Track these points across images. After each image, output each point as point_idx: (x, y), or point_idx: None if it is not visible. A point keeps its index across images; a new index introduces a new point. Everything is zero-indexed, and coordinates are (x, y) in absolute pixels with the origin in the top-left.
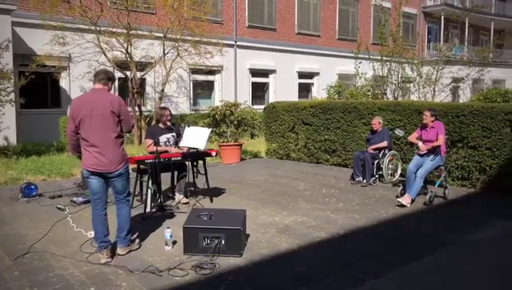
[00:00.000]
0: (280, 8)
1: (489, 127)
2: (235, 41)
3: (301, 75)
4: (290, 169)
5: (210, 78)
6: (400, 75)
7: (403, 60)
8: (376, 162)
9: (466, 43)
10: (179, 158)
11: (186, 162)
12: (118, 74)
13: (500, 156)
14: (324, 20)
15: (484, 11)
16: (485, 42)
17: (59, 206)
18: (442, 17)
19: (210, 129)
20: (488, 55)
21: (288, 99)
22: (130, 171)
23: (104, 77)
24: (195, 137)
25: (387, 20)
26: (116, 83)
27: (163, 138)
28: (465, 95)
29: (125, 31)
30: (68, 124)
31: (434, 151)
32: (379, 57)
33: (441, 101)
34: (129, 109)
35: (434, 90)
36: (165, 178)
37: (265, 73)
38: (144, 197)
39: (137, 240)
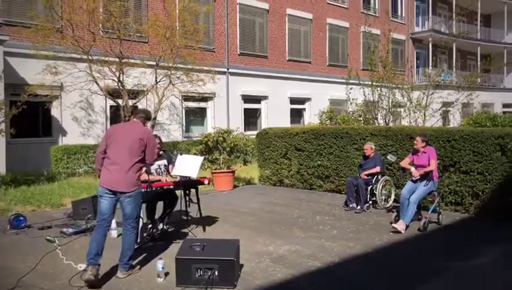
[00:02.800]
0: (271, 36)
1: (480, 151)
2: (227, 69)
3: (293, 100)
4: (284, 196)
5: (202, 105)
6: (390, 101)
7: (393, 85)
8: (369, 188)
9: (454, 68)
10: (171, 187)
11: (178, 191)
12: (109, 102)
13: (492, 181)
14: (314, 47)
15: (470, 36)
16: (473, 67)
17: (48, 237)
18: (430, 43)
19: (202, 157)
20: (476, 80)
21: (281, 125)
22: None
23: (142, 115)
24: (188, 165)
25: (377, 46)
26: (108, 111)
27: (154, 166)
28: (455, 120)
29: (117, 59)
30: (100, 144)
31: (426, 176)
32: (369, 83)
33: (432, 125)
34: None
35: (424, 115)
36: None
37: (257, 99)
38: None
39: (138, 266)
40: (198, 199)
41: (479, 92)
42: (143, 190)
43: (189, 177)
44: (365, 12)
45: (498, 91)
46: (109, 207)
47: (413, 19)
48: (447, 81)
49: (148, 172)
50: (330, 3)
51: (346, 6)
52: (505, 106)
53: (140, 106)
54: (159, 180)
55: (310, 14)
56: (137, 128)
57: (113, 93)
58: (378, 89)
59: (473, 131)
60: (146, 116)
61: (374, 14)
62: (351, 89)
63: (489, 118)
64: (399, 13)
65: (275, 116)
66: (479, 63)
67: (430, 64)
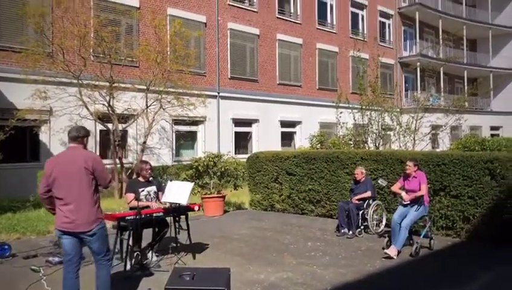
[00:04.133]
0: (262, 60)
1: (470, 175)
2: (218, 93)
3: (284, 124)
4: (275, 221)
5: (193, 128)
6: (380, 124)
7: (382, 109)
8: (361, 212)
9: (442, 92)
10: (161, 214)
11: (168, 218)
12: (99, 127)
13: (483, 205)
14: (305, 71)
15: (457, 61)
16: (460, 90)
17: (33, 267)
18: (418, 68)
19: (192, 183)
20: (464, 104)
21: (271, 148)
22: (110, 227)
23: (75, 135)
24: (177, 192)
25: (366, 71)
26: (98, 135)
27: (143, 192)
28: (444, 144)
29: (107, 84)
30: (41, 183)
31: (417, 201)
32: (359, 106)
33: (422, 149)
34: (109, 161)
35: (414, 139)
36: (146, 234)
37: (248, 123)
38: (124, 255)
39: None
40: (188, 225)
41: (467, 116)
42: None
43: (179, 204)
44: (354, 37)
45: (486, 114)
46: (73, 246)
47: (401, 44)
48: (435, 105)
49: (138, 198)
50: (319, 29)
51: (335, 32)
52: (492, 128)
53: (130, 131)
54: (148, 207)
55: (300, 39)
56: (78, 155)
57: (103, 118)
58: (368, 112)
59: (462, 155)
60: (79, 134)
61: (362, 39)
62: (341, 113)
63: (477, 142)
64: (387, 38)
65: (265, 139)
66: (466, 86)
67: (419, 88)
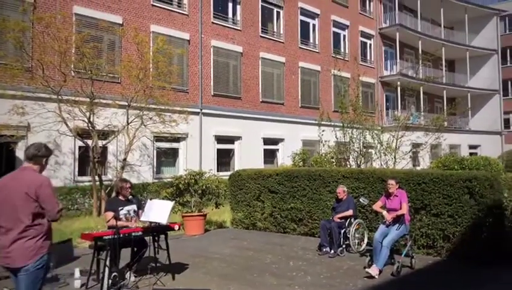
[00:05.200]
0: (245, 77)
1: (449, 194)
2: (201, 109)
3: (266, 141)
4: (256, 240)
5: (174, 145)
6: (361, 143)
7: (364, 127)
8: (343, 231)
9: (422, 110)
10: (140, 233)
11: (147, 237)
12: (78, 143)
13: (462, 224)
14: (287, 89)
15: (436, 80)
16: (440, 109)
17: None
18: (399, 87)
19: (173, 202)
20: (443, 123)
21: (254, 165)
22: (87, 247)
23: (32, 153)
24: (157, 210)
25: (347, 90)
26: (77, 152)
27: (123, 211)
28: (424, 162)
29: (88, 100)
30: None
31: (399, 220)
32: (341, 124)
33: (402, 168)
34: (88, 178)
35: (395, 157)
36: (125, 254)
37: (230, 140)
38: (101, 276)
39: None
40: (167, 245)
41: (447, 134)
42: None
43: (158, 223)
44: (335, 56)
45: (464, 133)
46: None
47: (382, 63)
48: (415, 123)
49: (117, 217)
50: (302, 48)
51: (317, 51)
52: (471, 147)
53: (110, 147)
54: (127, 226)
55: (283, 58)
56: (23, 179)
57: (82, 134)
58: (349, 131)
59: (442, 174)
60: (43, 154)
61: (344, 59)
62: (323, 131)
63: (456, 161)
64: (368, 57)
65: (248, 156)
66: (445, 106)
67: (399, 106)
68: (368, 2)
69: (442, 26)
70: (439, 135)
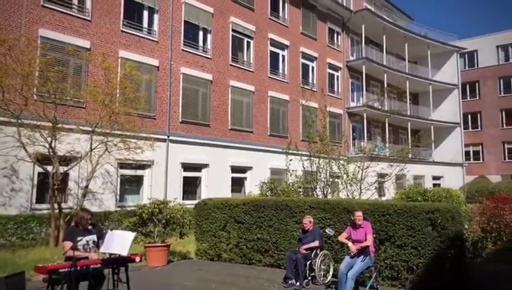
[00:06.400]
0: (214, 105)
1: (412, 226)
2: (168, 136)
3: (234, 169)
4: (221, 272)
5: (139, 173)
6: (328, 173)
7: (331, 156)
8: (308, 262)
9: (387, 142)
10: (99, 265)
11: (106, 270)
12: (38, 169)
13: (425, 255)
14: (256, 118)
15: (401, 113)
16: (404, 140)
17: None
18: (365, 118)
19: (134, 233)
20: (407, 155)
21: (221, 194)
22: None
23: None
24: (118, 242)
25: (314, 121)
26: (36, 178)
27: (82, 241)
28: (389, 193)
29: (50, 124)
30: None
31: (364, 251)
32: (308, 154)
33: (368, 198)
34: (47, 206)
35: (360, 188)
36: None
37: (198, 167)
38: None
39: None
40: (127, 277)
41: (411, 165)
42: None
43: (119, 255)
44: (304, 87)
45: (428, 164)
46: None
47: (348, 95)
48: (381, 154)
49: (75, 248)
50: (271, 77)
51: (286, 81)
52: (434, 178)
53: (72, 174)
54: (86, 258)
55: (253, 87)
56: None
57: (42, 160)
58: (316, 161)
59: (405, 206)
60: None
61: (312, 89)
62: (290, 160)
63: (420, 193)
64: (336, 89)
65: (215, 185)
66: (409, 137)
67: (365, 137)
68: (335, 35)
69: (407, 60)
70: (403, 166)
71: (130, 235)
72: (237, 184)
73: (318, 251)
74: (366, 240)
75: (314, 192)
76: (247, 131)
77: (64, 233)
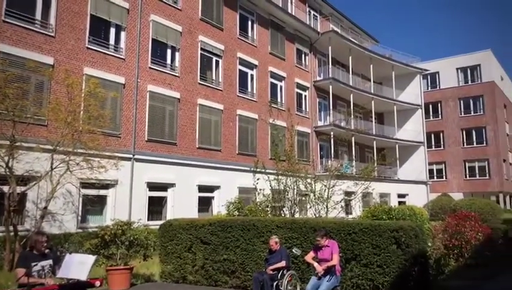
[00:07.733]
0: (181, 123)
1: (378, 244)
2: (133, 155)
3: (202, 188)
4: None
5: (102, 192)
6: (295, 192)
7: (298, 175)
8: (275, 283)
9: (354, 160)
10: None
11: None
12: None
13: (390, 274)
14: (225, 136)
15: (366, 132)
16: (370, 159)
17: None
18: (332, 137)
19: (95, 257)
20: (373, 173)
21: (188, 213)
22: None
23: None
24: (77, 266)
25: (281, 140)
26: None
27: (37, 267)
28: (355, 211)
29: (8, 142)
30: None
31: (330, 271)
32: (275, 173)
33: (335, 217)
34: (1, 228)
35: (327, 207)
36: None
37: (163, 187)
38: None
39: None
40: None
41: (377, 183)
42: None
43: (77, 280)
44: (272, 106)
45: (393, 182)
46: None
47: (316, 114)
48: (347, 173)
49: (29, 274)
50: (240, 96)
51: (255, 100)
52: (399, 196)
53: (30, 194)
54: (42, 284)
55: (221, 105)
56: None
57: None
58: (284, 179)
59: (371, 224)
60: None
61: (280, 108)
62: (258, 179)
63: (385, 211)
64: (303, 108)
65: (182, 205)
66: (375, 155)
67: (332, 156)
68: (303, 56)
69: (372, 81)
70: (369, 184)
71: (90, 259)
72: (205, 204)
73: (285, 271)
74: (332, 259)
75: (282, 211)
76: (215, 149)
77: (17, 259)
